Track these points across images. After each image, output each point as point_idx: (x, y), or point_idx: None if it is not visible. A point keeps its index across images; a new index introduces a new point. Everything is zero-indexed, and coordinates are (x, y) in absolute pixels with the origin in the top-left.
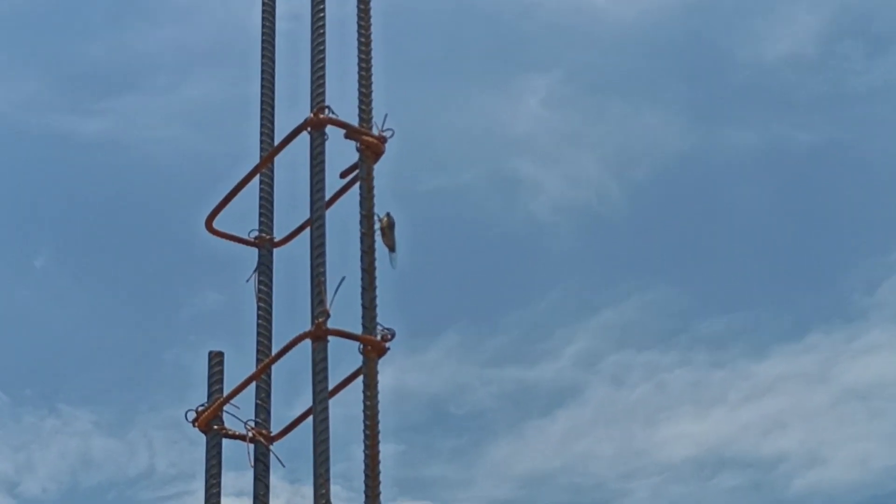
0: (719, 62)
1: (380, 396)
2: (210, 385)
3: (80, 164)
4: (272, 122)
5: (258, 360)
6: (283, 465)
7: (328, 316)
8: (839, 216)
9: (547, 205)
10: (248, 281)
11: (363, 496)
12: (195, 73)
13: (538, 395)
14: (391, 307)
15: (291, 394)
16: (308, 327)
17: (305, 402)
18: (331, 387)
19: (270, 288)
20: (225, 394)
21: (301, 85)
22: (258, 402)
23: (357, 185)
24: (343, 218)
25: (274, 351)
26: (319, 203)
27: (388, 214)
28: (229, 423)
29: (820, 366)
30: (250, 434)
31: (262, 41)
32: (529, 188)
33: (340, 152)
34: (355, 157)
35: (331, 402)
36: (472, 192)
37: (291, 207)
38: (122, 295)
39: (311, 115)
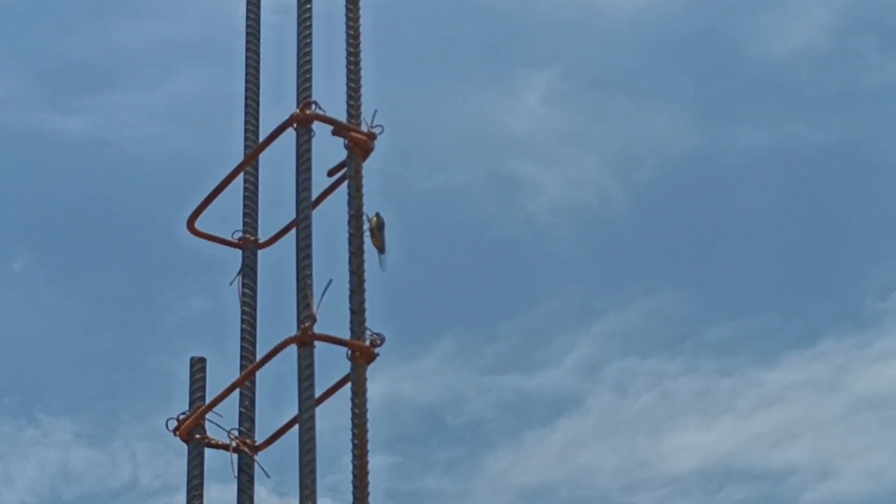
0: (727, 58)
1: (373, 406)
2: (192, 392)
3: (60, 163)
4: (257, 119)
5: (242, 367)
6: (269, 476)
7: (315, 320)
8: (852, 218)
9: (547, 207)
10: (231, 284)
11: None
12: (180, 68)
13: (538, 404)
14: (381, 311)
15: (277, 401)
16: (294, 332)
17: (291, 410)
18: (318, 394)
19: (255, 291)
20: (207, 401)
21: (288, 81)
22: (242, 409)
23: (345, 183)
24: (330, 218)
25: (258, 356)
26: (306, 203)
27: (377, 214)
28: (212, 432)
29: (831, 374)
30: (234, 443)
31: (247, 34)
32: (528, 189)
33: (328, 150)
34: (343, 154)
35: (318, 410)
36: (468, 193)
37: (276, 207)
38: (104, 299)
39: (297, 110)
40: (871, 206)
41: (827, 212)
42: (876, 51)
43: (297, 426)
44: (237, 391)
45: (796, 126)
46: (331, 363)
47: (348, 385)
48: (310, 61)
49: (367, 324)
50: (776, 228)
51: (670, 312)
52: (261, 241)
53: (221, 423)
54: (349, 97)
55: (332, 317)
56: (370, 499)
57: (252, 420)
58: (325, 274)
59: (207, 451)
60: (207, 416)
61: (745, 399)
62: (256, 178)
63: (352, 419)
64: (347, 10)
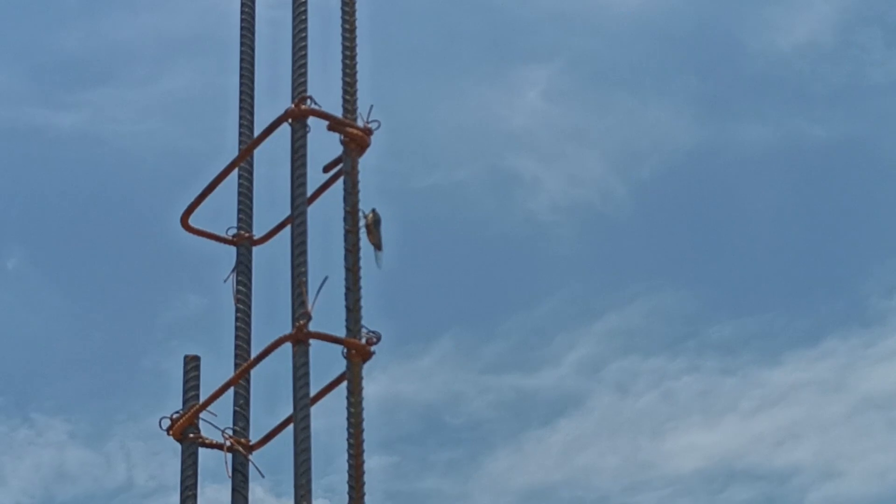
0: (731, 52)
1: (371, 406)
2: (185, 391)
3: (53, 159)
4: (251, 114)
5: (236, 365)
6: (263, 476)
7: (310, 318)
8: (857, 215)
9: (547, 204)
10: (225, 281)
11: None
12: (174, 63)
13: (538, 404)
14: (379, 310)
15: (271, 400)
16: (289, 330)
17: (286, 409)
18: (313, 393)
19: (249, 288)
20: (201, 400)
21: (283, 76)
22: (236, 408)
23: (341, 179)
24: (326, 215)
25: (253, 355)
26: (301, 199)
27: (373, 211)
28: (206, 432)
29: (836, 373)
30: (228, 443)
31: (242, 29)
32: (528, 186)
33: (323, 146)
34: (339, 150)
35: (314, 409)
36: (467, 190)
37: (272, 204)
38: (99, 297)
39: (293, 105)
40: (877, 203)
41: (831, 208)
42: (881, 45)
43: (292, 425)
44: (231, 390)
45: (800, 121)
46: (326, 362)
47: (344, 384)
48: (305, 56)
49: (364, 322)
50: (780, 225)
51: (672, 311)
52: (255, 238)
53: (215, 422)
54: (345, 92)
55: (327, 315)
56: (368, 499)
57: (246, 419)
58: (321, 271)
59: (202, 451)
60: (201, 415)
61: (748, 399)
62: (251, 174)
63: (348, 418)
64: (343, 4)
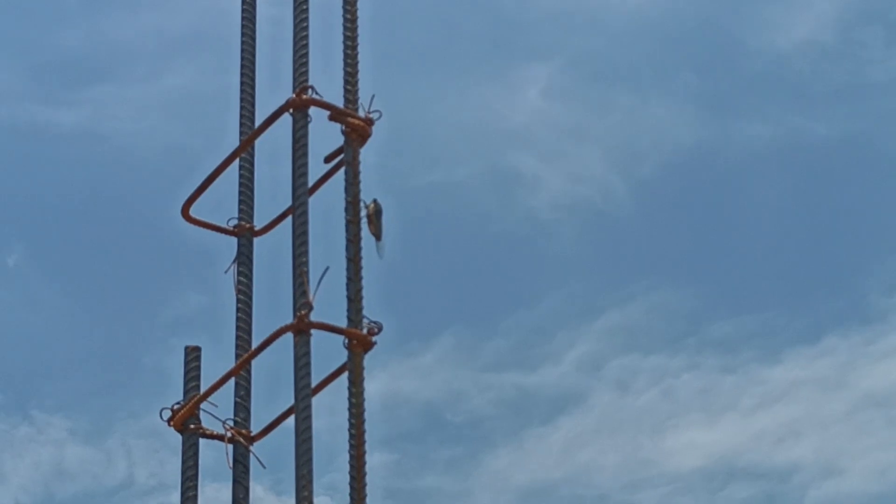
0: (731, 50)
1: (371, 403)
2: (186, 382)
3: (54, 157)
4: (253, 105)
5: (237, 356)
6: (264, 467)
7: (311, 308)
8: (857, 213)
9: (547, 202)
10: (226, 272)
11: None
12: (175, 61)
13: (539, 401)
14: (379, 301)
15: (272, 391)
16: (290, 320)
17: (287, 400)
18: (314, 383)
19: (250, 279)
20: (202, 391)
21: (284, 72)
22: (237, 399)
23: (342, 170)
24: (327, 205)
25: (254, 345)
26: (302, 189)
27: (374, 201)
28: (207, 423)
29: (836, 371)
30: (229, 434)
31: (242, 21)
32: (529, 184)
33: (325, 136)
34: (340, 140)
35: (315, 406)
36: (467, 188)
37: (273, 195)
38: (100, 294)
39: (294, 95)
40: (877, 201)
41: (832, 206)
42: (882, 43)
43: (293, 416)
44: (232, 381)
45: (801, 119)
46: (327, 352)
47: (345, 375)
48: (306, 45)
49: (364, 312)
50: (780, 223)
51: (673, 309)
52: (257, 229)
53: (216, 412)
54: (346, 82)
55: (328, 305)
56: (370, 498)
57: (247, 410)
58: (322, 262)
59: (202, 443)
60: (202, 405)
61: (748, 396)
62: (252, 164)
63: (349, 409)
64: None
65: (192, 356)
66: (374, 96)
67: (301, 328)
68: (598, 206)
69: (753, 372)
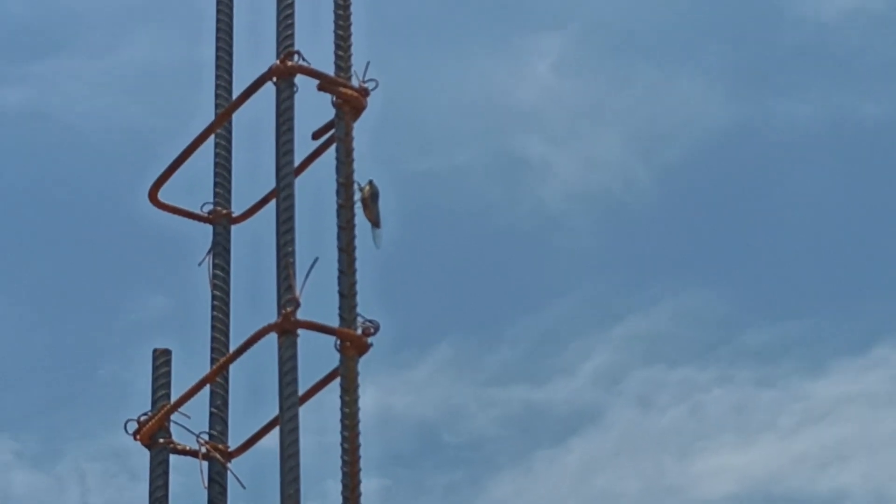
0: (769, 19)
1: (360, 422)
2: (155, 389)
3: None
4: (230, 74)
5: (213, 360)
6: (244, 487)
7: (298, 305)
8: None
9: (559, 191)
10: (200, 264)
11: None
12: (134, 32)
13: (549, 420)
14: (374, 296)
15: (254, 400)
16: (273, 319)
17: (271, 409)
18: (301, 391)
19: (228, 273)
20: (173, 400)
21: (267, 36)
22: (213, 410)
23: (332, 147)
24: (316, 188)
25: (232, 348)
26: (287, 170)
27: (370, 183)
28: (178, 436)
29: (890, 385)
30: (204, 449)
31: None
32: (538, 171)
33: (313, 109)
34: (330, 114)
35: (302, 417)
36: (469, 175)
37: (253, 176)
38: (49, 297)
39: (277, 61)
40: None
41: (884, 197)
42: None
43: (277, 428)
44: (207, 388)
45: (848, 97)
46: (317, 355)
47: (337, 381)
48: (292, 6)
49: (359, 310)
50: (825, 216)
51: (702, 314)
52: (235, 215)
53: (189, 424)
54: (337, 47)
55: (318, 302)
56: None
57: (225, 422)
58: (310, 252)
59: (173, 459)
60: (173, 417)
61: (788, 414)
62: (230, 142)
63: (341, 420)
64: None
65: (162, 360)
66: (369, 63)
67: (286, 328)
68: (616, 196)
69: (794, 386)
